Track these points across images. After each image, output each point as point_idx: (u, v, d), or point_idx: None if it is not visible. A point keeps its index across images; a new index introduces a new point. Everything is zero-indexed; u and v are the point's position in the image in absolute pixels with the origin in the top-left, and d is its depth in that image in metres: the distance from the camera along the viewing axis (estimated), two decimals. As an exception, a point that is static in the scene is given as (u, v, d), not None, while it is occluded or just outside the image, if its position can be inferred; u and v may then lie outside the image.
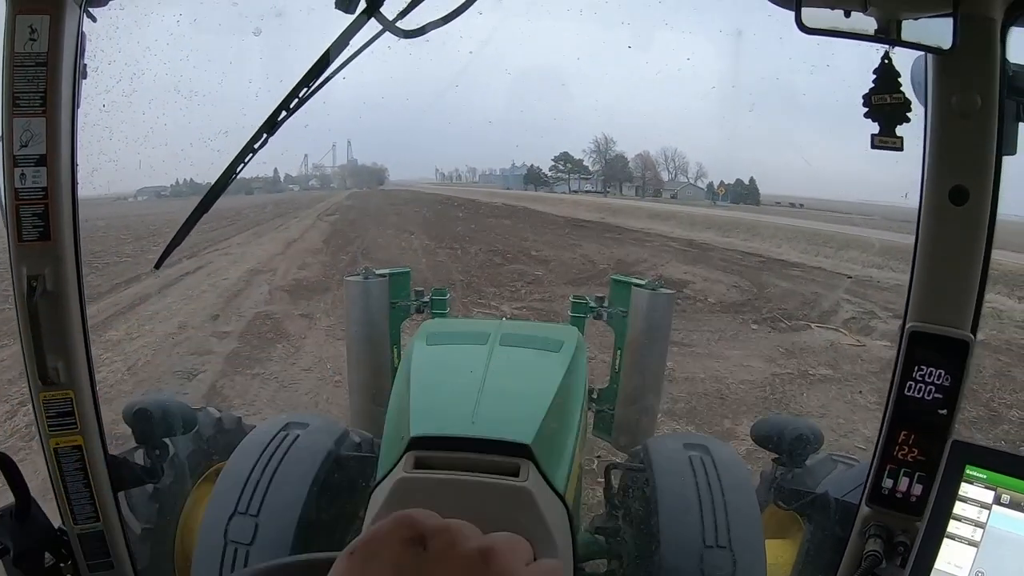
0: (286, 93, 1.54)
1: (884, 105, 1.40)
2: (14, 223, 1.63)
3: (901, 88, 1.40)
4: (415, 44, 1.63)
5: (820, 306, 12.18)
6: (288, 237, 20.22)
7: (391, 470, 1.77)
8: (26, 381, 1.76)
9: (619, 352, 3.65)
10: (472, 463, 1.72)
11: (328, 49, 1.52)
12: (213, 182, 1.62)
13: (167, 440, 2.51)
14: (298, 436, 2.53)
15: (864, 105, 1.41)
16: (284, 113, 1.55)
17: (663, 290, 3.57)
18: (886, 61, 1.39)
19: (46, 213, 1.63)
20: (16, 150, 1.59)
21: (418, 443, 1.78)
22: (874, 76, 1.41)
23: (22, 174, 1.60)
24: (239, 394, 7.57)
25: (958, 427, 1.55)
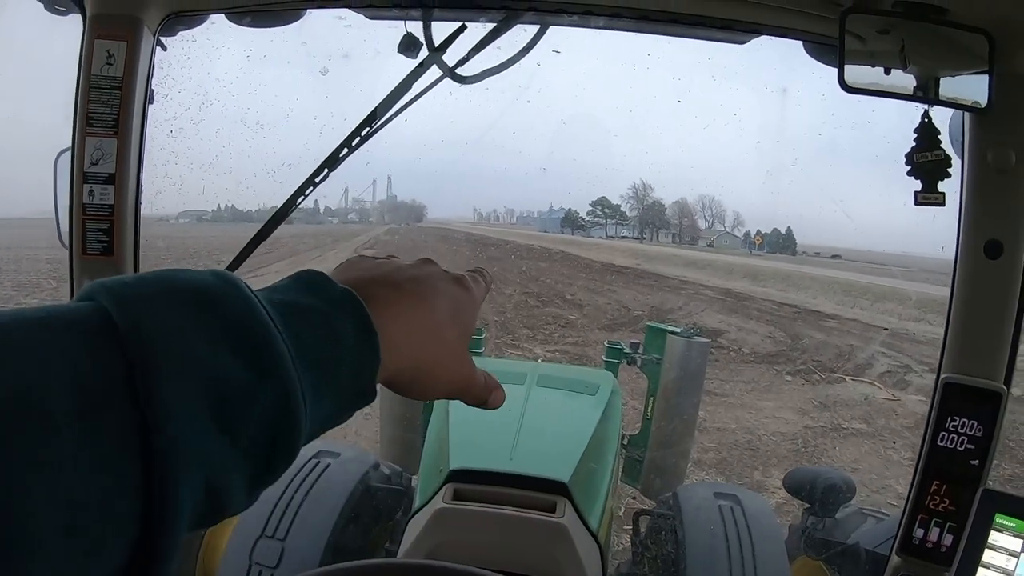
0: (349, 131, 1.62)
1: (926, 163, 1.44)
2: (79, 237, 1.69)
3: (941, 145, 1.43)
4: (458, 86, 1.71)
5: (855, 359, 12.02)
6: (325, 268, 20.39)
7: (429, 500, 1.81)
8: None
9: (651, 399, 3.64)
10: (510, 498, 1.76)
11: (392, 91, 1.60)
12: (274, 211, 1.69)
13: None
14: (329, 464, 2.56)
15: (907, 163, 1.45)
16: (346, 150, 1.64)
17: (698, 339, 3.56)
18: (926, 120, 1.43)
19: (111, 229, 1.69)
20: (87, 167, 1.66)
21: (457, 475, 1.82)
22: (915, 135, 1.44)
23: (90, 191, 1.67)
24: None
25: (991, 482, 1.55)
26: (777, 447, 7.71)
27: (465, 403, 0.69)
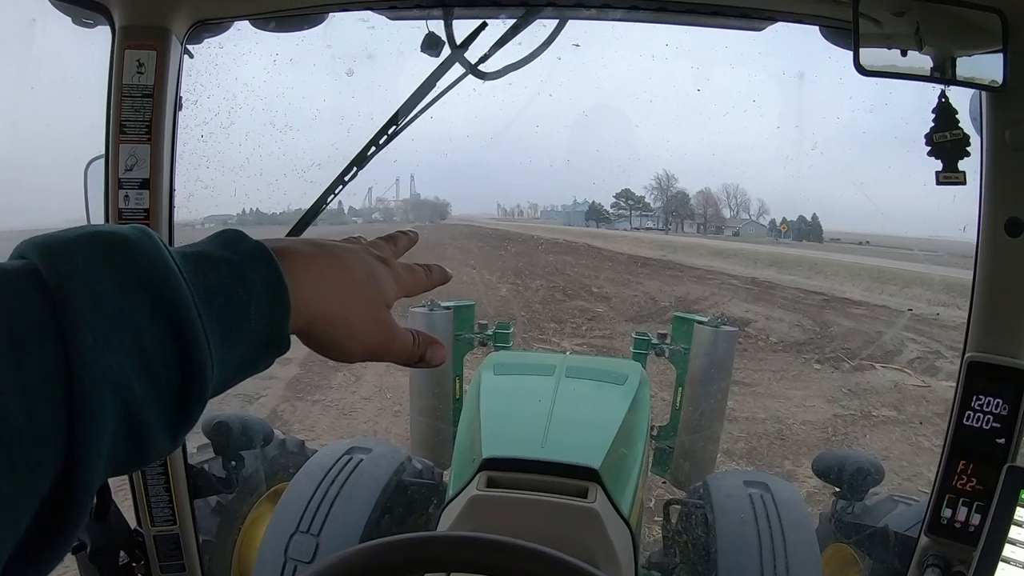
0: (375, 130, 1.65)
1: (945, 142, 1.44)
2: None
3: (959, 124, 1.44)
4: (480, 82, 1.74)
5: (884, 345, 11.89)
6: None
7: (463, 488, 1.84)
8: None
9: (680, 389, 3.63)
10: (542, 484, 1.78)
11: (416, 90, 1.64)
12: (305, 210, 1.73)
13: (243, 454, 2.60)
14: (361, 460, 2.61)
15: (926, 144, 1.45)
16: (374, 148, 1.68)
17: (726, 327, 3.55)
18: (943, 100, 1.44)
19: (147, 233, 1.73)
20: (121, 173, 1.70)
21: (490, 464, 1.85)
22: (933, 115, 1.45)
23: (126, 196, 1.70)
24: (299, 419, 7.72)
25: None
26: (807, 436, 7.67)
27: (397, 363, 0.74)
